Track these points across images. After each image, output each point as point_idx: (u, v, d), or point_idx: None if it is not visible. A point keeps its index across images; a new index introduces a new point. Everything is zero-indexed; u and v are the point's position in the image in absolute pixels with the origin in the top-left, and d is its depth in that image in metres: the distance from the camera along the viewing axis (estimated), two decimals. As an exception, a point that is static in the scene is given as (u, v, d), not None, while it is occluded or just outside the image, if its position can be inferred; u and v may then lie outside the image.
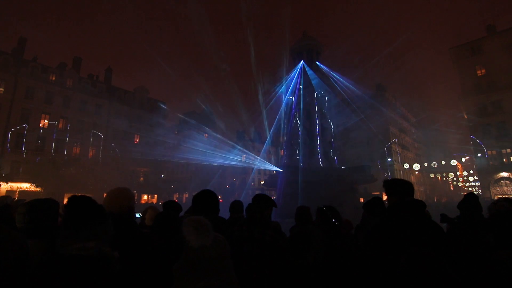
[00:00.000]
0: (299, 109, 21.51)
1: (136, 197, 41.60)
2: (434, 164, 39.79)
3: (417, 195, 43.55)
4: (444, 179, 57.44)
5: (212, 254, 1.49)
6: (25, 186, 29.36)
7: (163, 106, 50.56)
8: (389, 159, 42.94)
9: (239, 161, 55.37)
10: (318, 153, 20.12)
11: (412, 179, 43.40)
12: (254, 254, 2.37)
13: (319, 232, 2.64)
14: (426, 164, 47.67)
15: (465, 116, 35.58)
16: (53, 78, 36.32)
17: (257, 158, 46.86)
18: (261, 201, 2.75)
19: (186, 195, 46.35)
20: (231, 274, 1.57)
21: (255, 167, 53.99)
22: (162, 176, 47.94)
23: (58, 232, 1.66)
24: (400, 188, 2.35)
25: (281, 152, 24.36)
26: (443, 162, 44.19)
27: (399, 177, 4.88)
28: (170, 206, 3.15)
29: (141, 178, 40.94)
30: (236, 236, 2.49)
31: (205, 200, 2.49)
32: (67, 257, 1.23)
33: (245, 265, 2.23)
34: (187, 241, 1.50)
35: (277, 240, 2.54)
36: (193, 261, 1.47)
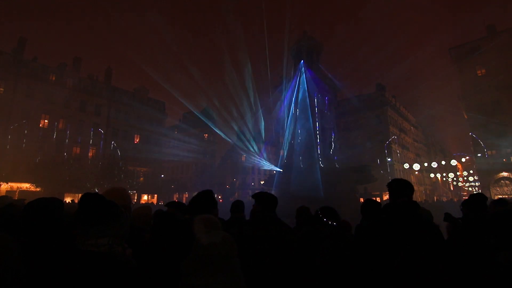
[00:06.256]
0: (299, 109, 21.50)
1: (136, 197, 41.33)
2: (434, 164, 39.78)
3: (417, 195, 43.00)
4: (444, 179, 57.47)
5: (220, 252, 1.52)
6: (25, 186, 29.37)
7: (163, 106, 50.57)
8: (389, 159, 42.94)
9: (239, 161, 55.39)
10: (318, 153, 20.11)
11: (412, 179, 43.41)
12: (261, 253, 2.36)
13: (326, 232, 2.63)
14: (426, 164, 47.67)
15: (465, 116, 35.58)
16: (53, 78, 36.33)
17: (257, 158, 46.85)
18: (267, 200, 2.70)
19: (186, 195, 46.32)
20: (238, 272, 1.60)
21: (255, 167, 53.99)
22: (162, 176, 47.92)
23: (61, 232, 1.66)
24: (397, 189, 2.36)
25: (281, 152, 24.33)
26: (443, 162, 44.21)
27: (399, 177, 4.87)
28: (175, 207, 3.13)
29: (141, 178, 40.92)
30: (246, 236, 2.47)
31: (200, 201, 2.49)
32: (81, 252, 1.27)
33: (251, 263, 2.23)
34: (197, 239, 1.53)
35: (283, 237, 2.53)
36: (202, 258, 1.50)
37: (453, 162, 41.07)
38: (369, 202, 3.39)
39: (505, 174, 31.43)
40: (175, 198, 43.43)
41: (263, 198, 2.69)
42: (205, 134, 54.13)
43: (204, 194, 2.52)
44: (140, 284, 1.32)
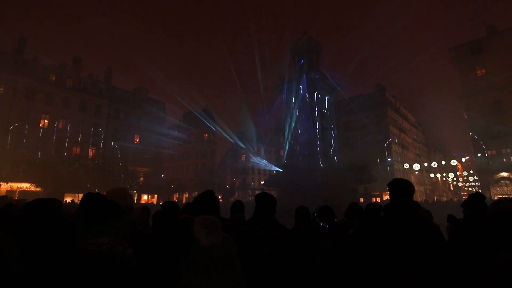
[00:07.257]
0: (299, 109, 21.52)
1: (136, 197, 41.30)
2: (434, 164, 39.78)
3: (417, 195, 42.97)
4: (444, 179, 57.47)
5: (220, 253, 1.52)
6: (25, 186, 29.36)
7: (163, 106, 50.55)
8: (389, 159, 42.94)
9: (239, 161, 55.41)
10: (318, 153, 20.13)
11: (412, 179, 43.38)
12: (262, 253, 2.37)
13: (327, 232, 2.64)
14: (426, 164, 47.67)
15: (465, 116, 35.58)
16: (53, 78, 36.33)
17: (257, 158, 46.85)
18: (269, 202, 2.75)
19: (186, 195, 46.31)
20: (238, 273, 1.60)
21: (255, 167, 54.00)
22: (162, 176, 47.92)
23: (60, 231, 1.66)
24: (397, 189, 2.36)
25: (281, 152, 24.36)
26: (443, 162, 44.22)
27: (399, 177, 4.87)
28: (170, 206, 3.18)
29: (141, 178, 40.91)
30: (246, 236, 2.48)
31: (202, 201, 2.50)
32: (82, 251, 1.27)
33: (252, 264, 2.23)
34: (197, 239, 1.53)
35: (283, 238, 2.54)
36: (202, 259, 1.50)
37: (453, 162, 41.11)
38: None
39: (505, 174, 31.43)
40: (175, 198, 43.40)
41: (263, 199, 2.74)
42: (205, 134, 54.11)
43: (205, 195, 2.53)
44: (140, 284, 1.32)
